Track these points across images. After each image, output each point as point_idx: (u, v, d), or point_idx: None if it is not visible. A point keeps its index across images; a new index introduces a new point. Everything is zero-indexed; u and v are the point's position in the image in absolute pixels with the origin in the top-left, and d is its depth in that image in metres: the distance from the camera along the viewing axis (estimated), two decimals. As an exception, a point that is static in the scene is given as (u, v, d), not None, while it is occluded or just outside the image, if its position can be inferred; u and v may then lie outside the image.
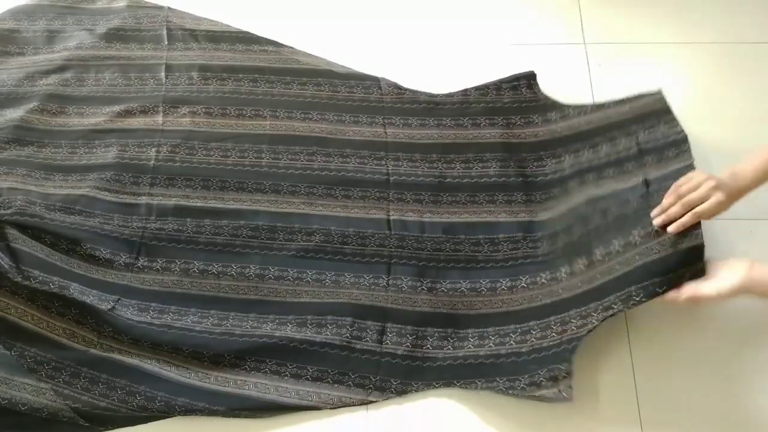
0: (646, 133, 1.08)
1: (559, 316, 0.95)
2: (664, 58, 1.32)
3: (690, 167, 0.97)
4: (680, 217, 0.89)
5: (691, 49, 1.33)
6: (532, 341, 0.94)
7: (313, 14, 1.45)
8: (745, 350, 0.97)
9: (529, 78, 1.26)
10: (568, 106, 1.21)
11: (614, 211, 1.00)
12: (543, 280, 1.01)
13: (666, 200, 0.91)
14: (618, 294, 0.90)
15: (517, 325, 0.97)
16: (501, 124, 1.21)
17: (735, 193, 0.88)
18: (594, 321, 0.91)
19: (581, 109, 1.19)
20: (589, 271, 0.97)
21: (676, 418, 0.92)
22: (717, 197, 0.86)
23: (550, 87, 1.27)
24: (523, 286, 1.01)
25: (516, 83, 1.26)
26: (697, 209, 0.87)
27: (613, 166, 1.08)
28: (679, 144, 1.04)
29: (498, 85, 1.26)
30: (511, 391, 0.90)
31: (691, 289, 0.86)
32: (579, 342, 0.91)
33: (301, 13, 1.45)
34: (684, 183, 0.90)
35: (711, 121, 1.21)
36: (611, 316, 0.90)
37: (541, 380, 0.89)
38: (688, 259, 0.88)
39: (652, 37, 1.35)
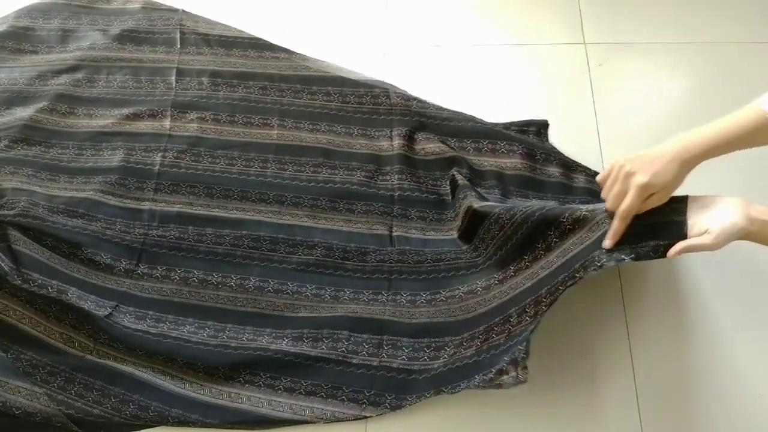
0: None
1: (533, 297, 0.89)
2: (664, 58, 1.32)
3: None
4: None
5: (691, 49, 1.32)
6: (509, 328, 0.90)
7: (318, 11, 1.46)
8: (748, 344, 0.97)
9: (540, 126, 1.24)
10: (572, 160, 1.18)
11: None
12: (526, 263, 0.95)
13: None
14: (582, 261, 0.82)
15: (501, 317, 0.93)
16: (502, 151, 1.19)
17: (686, 163, 0.75)
18: (558, 295, 0.83)
19: (584, 169, 1.16)
20: (563, 242, 0.89)
21: (675, 416, 0.93)
22: (635, 183, 0.75)
23: (550, 87, 1.28)
24: (511, 275, 0.97)
25: (525, 129, 1.24)
26: (620, 208, 0.77)
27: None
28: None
29: (507, 125, 1.24)
30: (482, 384, 0.85)
31: (680, 243, 0.75)
32: (541, 318, 0.84)
33: (314, 25, 1.45)
34: (601, 181, 0.82)
35: (710, 121, 1.19)
36: (573, 284, 0.81)
37: (504, 365, 0.84)
38: (665, 233, 0.77)
39: (652, 37, 1.35)
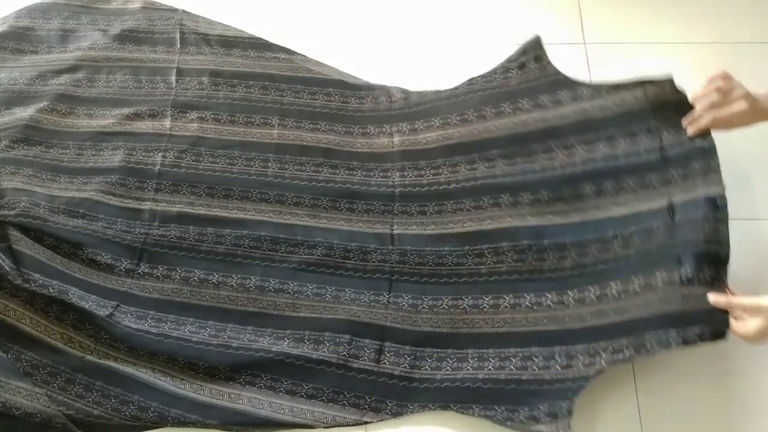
0: (669, 134, 1.00)
1: (564, 347, 0.92)
2: (664, 58, 1.32)
3: (721, 199, 0.89)
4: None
5: (691, 49, 1.33)
6: (534, 369, 0.92)
7: (320, 22, 1.45)
8: (753, 381, 0.96)
9: (536, 49, 1.19)
10: (580, 85, 1.13)
11: (637, 241, 0.95)
12: (548, 302, 0.97)
13: (698, 105, 0.93)
14: (630, 338, 0.87)
15: (519, 349, 0.95)
16: (507, 112, 1.15)
17: (763, 111, 0.87)
18: (602, 363, 0.88)
19: (594, 90, 1.10)
20: (601, 304, 0.93)
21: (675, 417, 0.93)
22: (738, 105, 0.86)
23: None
24: (527, 306, 0.98)
25: (523, 60, 1.19)
26: (716, 114, 0.89)
27: (633, 175, 1.01)
28: (707, 155, 0.95)
29: (505, 67, 1.21)
30: (509, 423, 0.89)
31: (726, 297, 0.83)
32: (586, 383, 0.88)
33: (314, 24, 1.45)
34: (714, 84, 0.91)
35: None
36: (621, 362, 0.87)
37: (541, 415, 0.87)
38: (711, 321, 0.83)
39: (652, 37, 1.35)
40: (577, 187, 1.04)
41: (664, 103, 1.01)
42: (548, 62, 1.18)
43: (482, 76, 1.23)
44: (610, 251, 0.96)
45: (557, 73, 1.17)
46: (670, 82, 1.01)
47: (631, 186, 1.01)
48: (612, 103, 1.07)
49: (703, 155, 0.95)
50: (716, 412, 0.93)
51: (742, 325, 0.80)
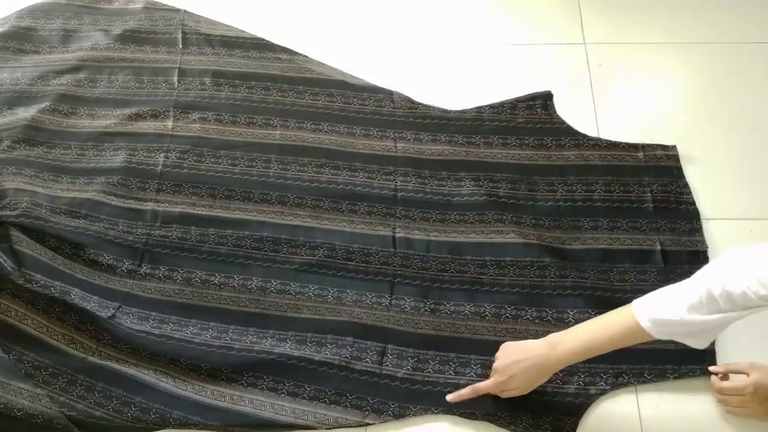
0: (659, 188, 1.12)
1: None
2: (664, 58, 1.33)
3: (704, 256, 1.03)
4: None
5: (690, 49, 1.33)
6: None
7: (321, 22, 1.46)
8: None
9: (545, 98, 1.25)
10: (582, 135, 1.20)
11: (633, 280, 1.03)
12: (549, 317, 0.99)
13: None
14: (630, 366, 0.94)
15: None
16: (514, 144, 1.20)
17: (546, 369, 0.82)
18: (603, 384, 0.93)
19: (595, 142, 1.19)
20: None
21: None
22: (492, 379, 0.87)
23: (551, 87, 1.28)
24: (528, 318, 1.00)
25: (531, 103, 1.25)
26: (478, 385, 0.88)
27: (626, 217, 1.10)
28: (692, 219, 1.08)
29: (513, 104, 1.25)
30: (512, 427, 0.90)
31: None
32: (588, 401, 0.91)
33: (315, 24, 1.45)
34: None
35: (709, 121, 1.22)
36: (622, 386, 0.93)
37: (546, 426, 0.90)
38: (702, 360, 0.93)
39: (652, 37, 1.35)
40: (576, 220, 1.10)
41: (659, 167, 1.15)
42: (555, 112, 1.24)
43: (490, 106, 1.26)
44: (608, 281, 1.03)
45: (562, 121, 1.22)
46: (671, 150, 1.16)
47: (624, 226, 1.09)
48: (610, 156, 1.17)
49: (688, 217, 1.08)
50: (716, 411, 0.92)
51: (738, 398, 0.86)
